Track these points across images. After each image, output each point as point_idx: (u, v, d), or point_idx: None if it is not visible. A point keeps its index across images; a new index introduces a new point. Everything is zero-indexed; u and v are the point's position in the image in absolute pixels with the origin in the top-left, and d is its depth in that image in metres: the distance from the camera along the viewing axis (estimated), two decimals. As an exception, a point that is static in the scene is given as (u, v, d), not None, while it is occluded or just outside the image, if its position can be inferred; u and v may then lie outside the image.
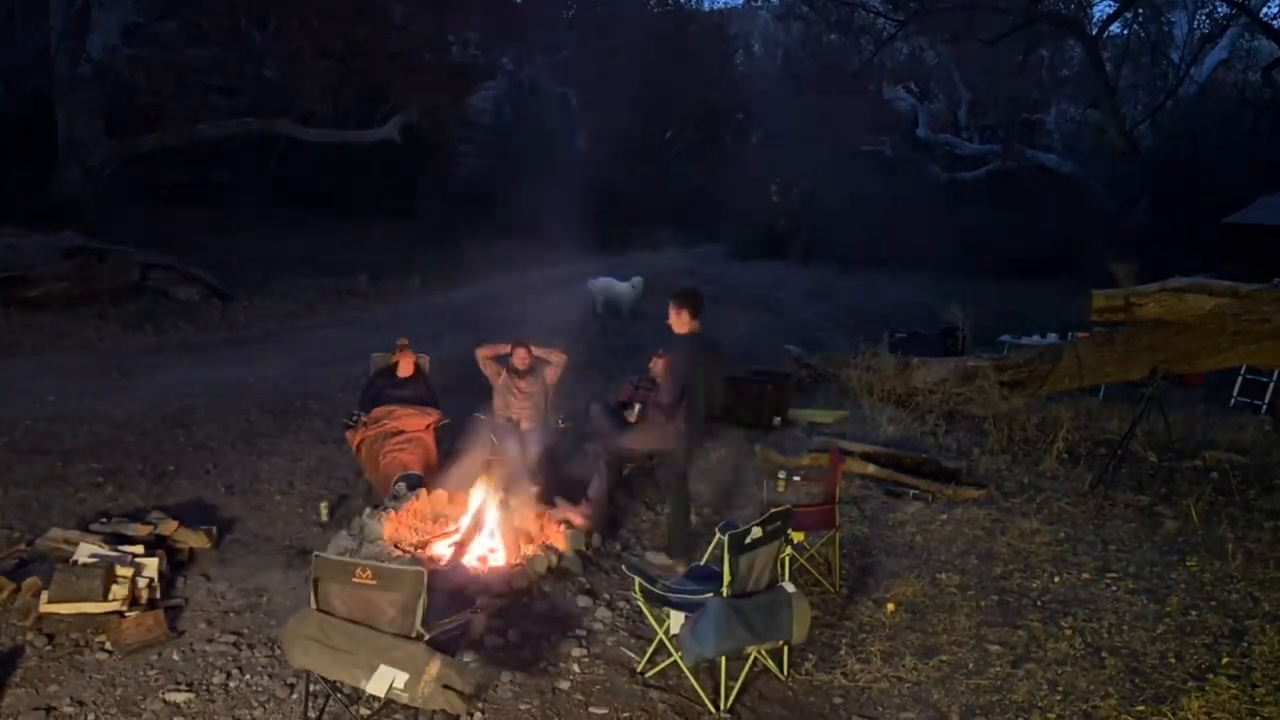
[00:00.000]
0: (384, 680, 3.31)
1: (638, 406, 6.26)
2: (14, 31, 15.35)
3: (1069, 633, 4.74)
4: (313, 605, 3.54)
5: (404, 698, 3.34)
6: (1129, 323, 8.55)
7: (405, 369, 6.59)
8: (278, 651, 4.23)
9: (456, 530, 5.38)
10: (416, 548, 5.28)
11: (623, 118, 16.66)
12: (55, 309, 11.29)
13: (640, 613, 4.50)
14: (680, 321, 5.38)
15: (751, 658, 4.08)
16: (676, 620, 4.02)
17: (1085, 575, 5.49)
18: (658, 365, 6.57)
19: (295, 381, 9.19)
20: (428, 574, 3.44)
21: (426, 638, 3.43)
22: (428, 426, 6.35)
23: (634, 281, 12.95)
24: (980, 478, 7.10)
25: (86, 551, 4.79)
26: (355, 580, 3.44)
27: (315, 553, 3.63)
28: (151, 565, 4.78)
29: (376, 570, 3.45)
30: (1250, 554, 5.79)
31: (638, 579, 4.20)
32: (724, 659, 3.93)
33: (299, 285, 14.32)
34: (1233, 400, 9.98)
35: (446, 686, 3.35)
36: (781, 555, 4.30)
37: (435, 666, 3.34)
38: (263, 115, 15.76)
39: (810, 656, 4.46)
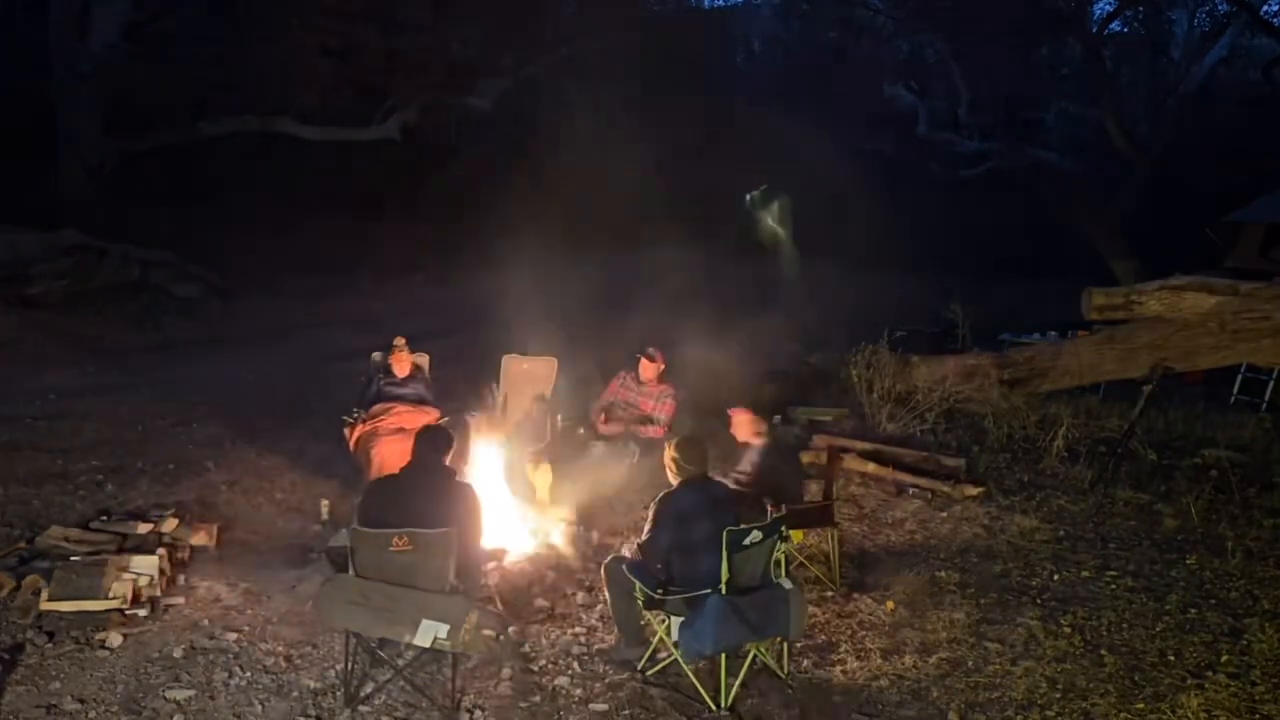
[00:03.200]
0: (429, 633, 3.66)
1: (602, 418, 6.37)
2: (14, 29, 15.34)
3: (1068, 630, 4.75)
4: (351, 573, 3.80)
5: (447, 646, 3.68)
6: (1129, 320, 8.56)
7: (401, 369, 6.59)
8: (279, 649, 4.25)
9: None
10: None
11: (624, 115, 16.64)
12: (55, 307, 11.29)
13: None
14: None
15: (751, 655, 4.08)
16: (676, 619, 4.02)
17: (1085, 573, 5.49)
18: (648, 369, 6.56)
19: (295, 379, 9.19)
20: (457, 533, 3.77)
21: (461, 590, 3.79)
22: (426, 422, 6.35)
23: None
24: (980, 475, 7.11)
25: (87, 549, 4.81)
26: (393, 549, 3.73)
27: (352, 526, 3.87)
28: (152, 563, 4.80)
29: (412, 536, 3.72)
30: (1250, 552, 5.79)
31: (638, 584, 4.17)
32: (723, 656, 3.93)
33: (299, 283, 14.32)
34: (1232, 398, 9.97)
35: (483, 631, 3.75)
36: (777, 554, 4.31)
37: (475, 615, 3.72)
38: (262, 113, 15.73)
39: (810, 654, 4.46)
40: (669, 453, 4.34)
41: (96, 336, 10.66)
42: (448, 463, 4.23)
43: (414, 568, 3.75)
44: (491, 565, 4.86)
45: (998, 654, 4.51)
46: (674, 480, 4.31)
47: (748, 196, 18.21)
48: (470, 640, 3.70)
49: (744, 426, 5.36)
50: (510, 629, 4.51)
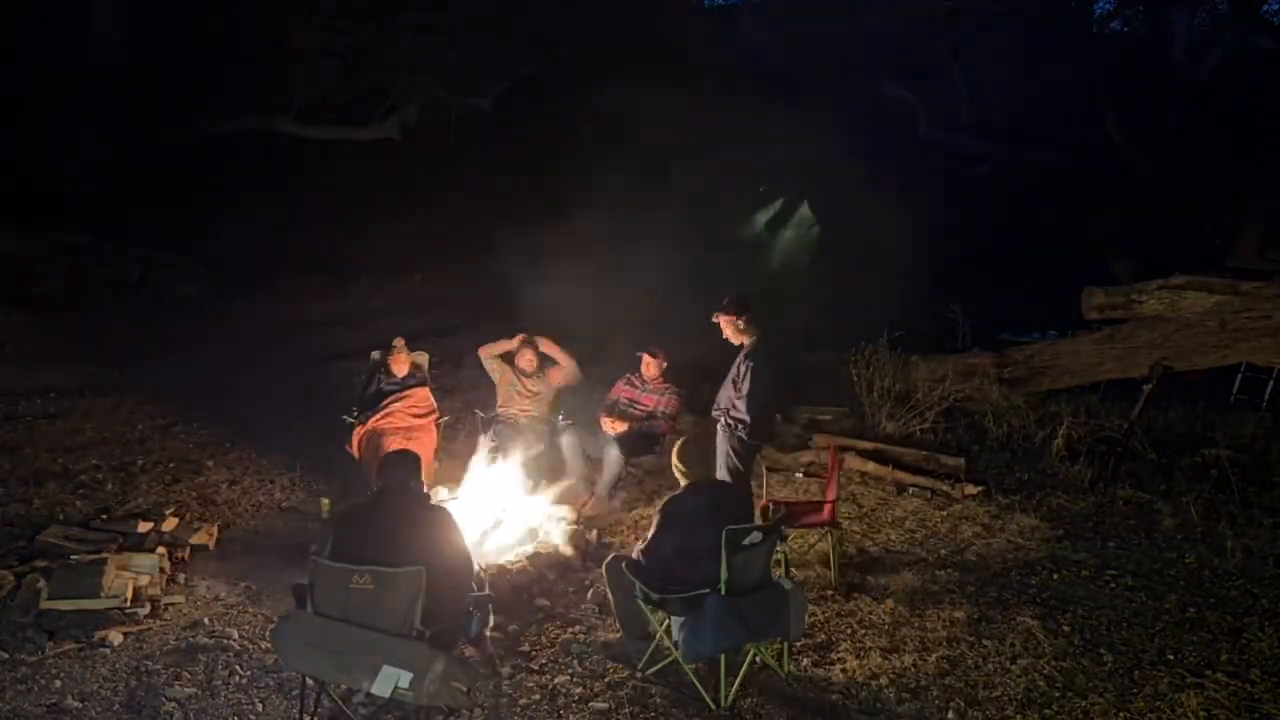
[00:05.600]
0: (389, 681, 3.32)
1: (609, 419, 6.39)
2: (14, 28, 15.34)
3: (1067, 629, 4.76)
4: (310, 609, 3.51)
5: (409, 697, 3.35)
6: (1129, 320, 8.56)
7: (401, 369, 6.60)
8: (279, 648, 4.25)
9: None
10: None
11: (624, 114, 16.65)
12: (55, 306, 11.28)
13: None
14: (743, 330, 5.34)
15: (751, 654, 4.08)
16: (676, 619, 4.02)
17: (1084, 572, 5.50)
18: (651, 365, 6.61)
19: (295, 379, 9.19)
20: (424, 572, 3.42)
21: (428, 635, 3.44)
22: (426, 422, 6.37)
23: None
24: (979, 474, 7.11)
25: (87, 548, 4.81)
26: (354, 585, 3.43)
27: (312, 556, 3.59)
28: (152, 562, 4.81)
29: (375, 574, 3.42)
30: (1249, 551, 5.80)
31: (638, 583, 4.16)
32: (723, 656, 3.93)
33: (299, 282, 14.31)
34: (1232, 397, 9.96)
35: (451, 683, 3.38)
36: (776, 554, 4.31)
37: (440, 664, 3.37)
38: (262, 113, 15.75)
39: (810, 653, 4.47)
40: (673, 456, 4.32)
41: (96, 336, 10.64)
42: (417, 485, 3.95)
43: (376, 608, 3.42)
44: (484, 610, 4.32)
45: (997, 653, 4.51)
46: (681, 482, 4.30)
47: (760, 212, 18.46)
48: (435, 691, 3.34)
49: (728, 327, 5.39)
50: (500, 671, 4.21)
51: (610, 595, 4.42)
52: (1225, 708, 4.07)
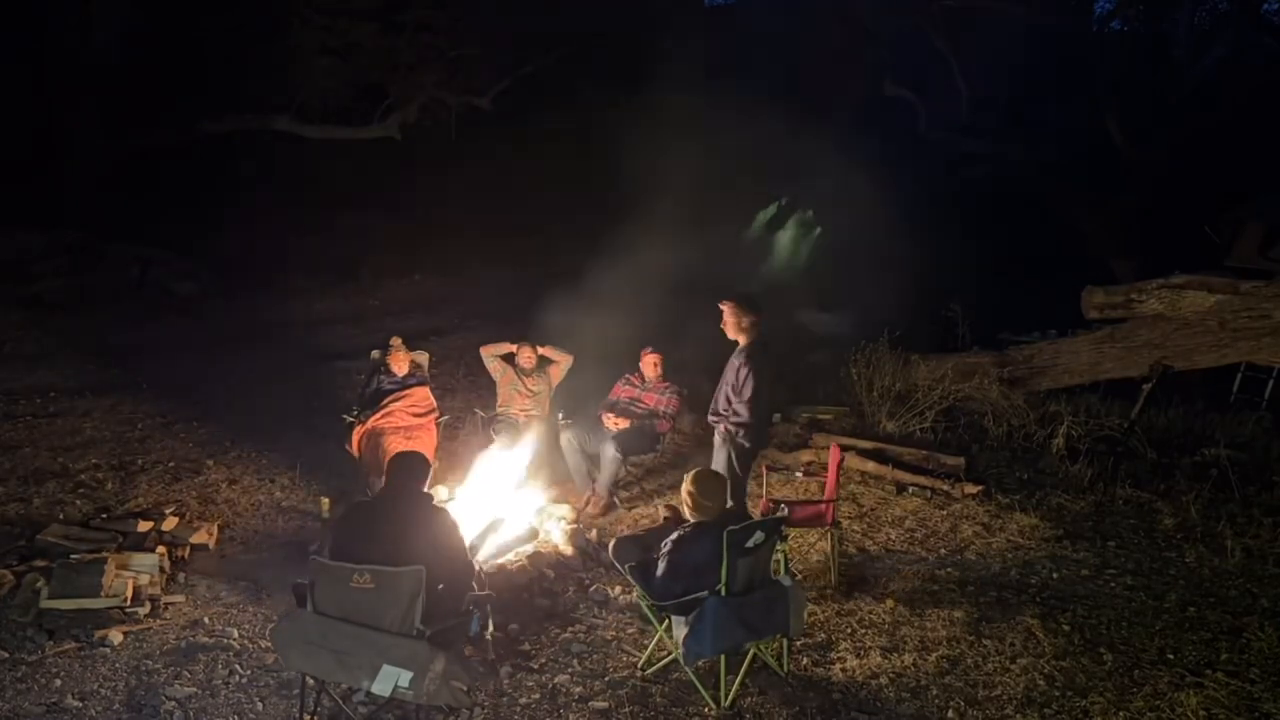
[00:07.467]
0: (389, 680, 3.35)
1: (610, 416, 6.40)
2: (14, 28, 15.34)
3: (1067, 628, 4.76)
4: (310, 608, 3.53)
5: (409, 696, 3.37)
6: (1129, 319, 8.57)
7: (400, 367, 6.60)
8: (278, 647, 4.25)
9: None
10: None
11: (623, 113, 16.66)
12: (55, 305, 11.29)
13: (640, 608, 4.51)
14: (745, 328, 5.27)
15: (751, 653, 4.09)
16: (678, 622, 4.01)
17: (1084, 571, 5.50)
18: (650, 367, 6.62)
19: (295, 378, 9.19)
20: (425, 571, 3.43)
21: (428, 634, 3.45)
22: (426, 421, 6.37)
23: None
24: (979, 474, 7.11)
25: (87, 547, 4.81)
26: (354, 585, 3.44)
27: (313, 556, 3.61)
28: (152, 561, 4.81)
29: (375, 574, 3.43)
30: (1249, 550, 5.80)
31: (639, 587, 4.15)
32: (723, 655, 3.93)
33: (299, 281, 14.32)
34: (1232, 397, 9.96)
35: (451, 682, 3.39)
36: (776, 554, 4.30)
37: (440, 663, 3.39)
38: (262, 112, 15.75)
39: (809, 652, 4.47)
40: (686, 486, 4.11)
41: (96, 335, 10.64)
42: (421, 486, 3.98)
43: (376, 607, 3.43)
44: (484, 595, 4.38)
45: (996, 652, 4.51)
46: (689, 514, 4.09)
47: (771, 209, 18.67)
48: (435, 690, 3.37)
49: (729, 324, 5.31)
50: (497, 672, 4.19)
51: (622, 569, 4.32)
52: (1225, 707, 4.07)
